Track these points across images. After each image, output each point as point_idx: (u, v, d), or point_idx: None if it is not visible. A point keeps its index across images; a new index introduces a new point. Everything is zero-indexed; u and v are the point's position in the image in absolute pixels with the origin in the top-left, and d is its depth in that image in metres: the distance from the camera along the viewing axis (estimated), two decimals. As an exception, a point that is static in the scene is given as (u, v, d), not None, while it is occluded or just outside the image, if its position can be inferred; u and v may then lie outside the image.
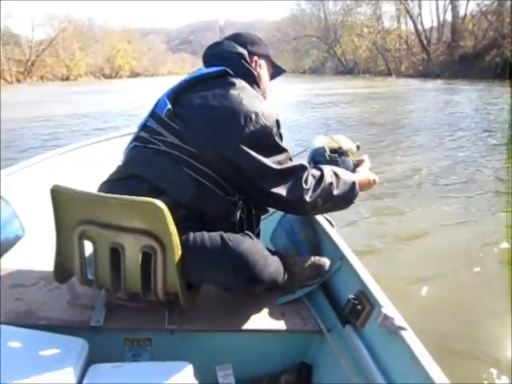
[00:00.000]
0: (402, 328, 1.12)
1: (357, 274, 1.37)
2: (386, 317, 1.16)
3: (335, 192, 1.42)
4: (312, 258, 1.52)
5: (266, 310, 1.47)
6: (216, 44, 1.54)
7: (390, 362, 1.15)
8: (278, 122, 1.38)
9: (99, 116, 11.71)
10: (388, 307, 1.20)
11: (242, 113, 1.31)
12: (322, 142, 1.74)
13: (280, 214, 1.82)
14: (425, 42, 37.58)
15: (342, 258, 1.49)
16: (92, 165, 2.31)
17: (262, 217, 1.76)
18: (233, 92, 1.35)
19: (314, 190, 1.38)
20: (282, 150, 1.37)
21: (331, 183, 1.42)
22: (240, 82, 1.40)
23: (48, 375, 1.04)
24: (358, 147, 1.75)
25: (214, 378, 1.39)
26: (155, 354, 1.35)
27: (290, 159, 1.39)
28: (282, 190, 1.34)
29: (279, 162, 1.35)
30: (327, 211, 1.57)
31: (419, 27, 38.97)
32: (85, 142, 2.63)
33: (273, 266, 1.36)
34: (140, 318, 1.37)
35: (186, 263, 1.25)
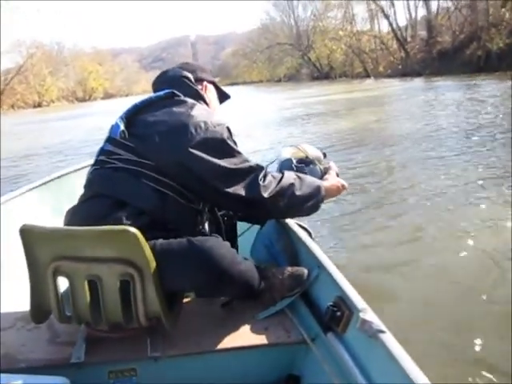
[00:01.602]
0: (381, 331, 1.15)
1: (334, 280, 1.40)
2: (364, 321, 1.19)
3: (297, 192, 1.48)
4: (290, 269, 1.56)
5: (248, 326, 1.49)
6: (163, 72, 1.67)
7: (371, 365, 1.18)
8: (228, 128, 1.46)
9: (61, 149, 10.80)
10: (366, 311, 1.22)
11: (192, 123, 1.40)
12: (288, 153, 1.80)
13: (257, 228, 1.86)
14: (401, 40, 37.56)
15: (320, 265, 1.52)
16: (66, 196, 2.32)
17: (239, 233, 1.81)
18: (181, 108, 1.45)
19: (273, 187, 1.44)
20: (236, 153, 1.44)
21: (292, 184, 1.48)
22: (188, 100, 1.50)
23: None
24: (324, 155, 1.81)
25: (203, 400, 1.42)
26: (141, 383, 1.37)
27: (246, 161, 1.45)
28: (238, 189, 1.40)
29: (235, 164, 1.41)
30: (293, 214, 1.63)
31: (394, 26, 39.01)
32: (59, 173, 2.66)
33: (243, 265, 1.39)
34: (122, 349, 1.39)
35: None
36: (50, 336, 1.46)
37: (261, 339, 1.45)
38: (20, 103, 45.04)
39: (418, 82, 24.90)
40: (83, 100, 52.49)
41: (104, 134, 1.52)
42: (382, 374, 1.13)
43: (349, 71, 43.55)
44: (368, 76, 37.63)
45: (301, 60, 52.02)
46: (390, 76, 33.97)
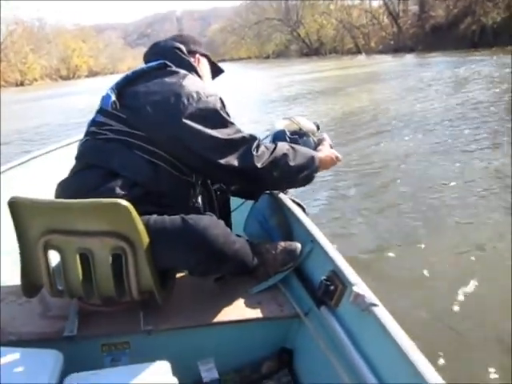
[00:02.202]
0: (374, 304, 1.16)
1: (327, 254, 1.41)
2: (357, 295, 1.20)
3: (291, 163, 1.48)
4: (283, 244, 1.57)
5: (242, 301, 1.51)
6: (155, 43, 1.64)
7: (364, 339, 1.20)
8: (221, 99, 1.46)
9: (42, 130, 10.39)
10: (359, 285, 1.24)
11: (184, 93, 1.38)
12: (282, 124, 1.79)
13: (250, 203, 1.86)
14: (393, 14, 37.03)
15: (313, 240, 1.53)
16: (55, 171, 2.31)
17: (232, 209, 1.81)
18: (173, 78, 1.44)
19: (266, 157, 1.43)
20: (229, 124, 1.43)
21: (285, 154, 1.47)
22: (180, 71, 1.48)
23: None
24: (318, 127, 1.81)
25: (197, 374, 1.43)
26: (134, 357, 1.37)
27: (239, 132, 1.44)
28: (231, 160, 1.39)
29: (228, 134, 1.40)
30: (287, 185, 1.64)
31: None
32: (47, 149, 2.64)
33: (237, 244, 1.40)
34: (115, 323, 1.39)
35: None
36: (41, 310, 1.46)
37: (254, 313, 1.46)
38: (1, 82, 44.10)
39: (410, 58, 24.48)
40: (67, 78, 51.48)
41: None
42: (375, 346, 1.15)
43: (339, 47, 43.07)
44: (359, 52, 37.18)
45: (290, 36, 51.43)
46: (381, 52, 33.60)
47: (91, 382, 1.11)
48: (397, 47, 32.66)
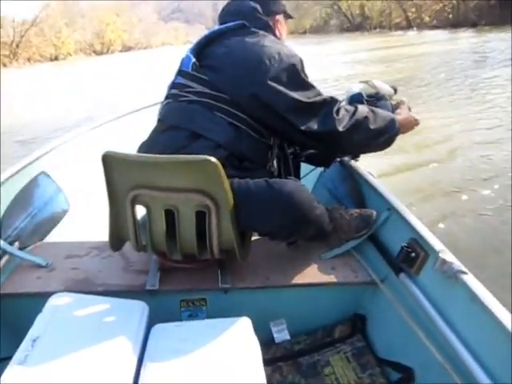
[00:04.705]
0: (462, 272, 1.16)
1: (407, 222, 1.43)
2: (444, 262, 1.21)
3: (372, 126, 1.49)
4: (358, 210, 1.59)
5: (315, 265, 1.55)
6: (229, 3, 1.63)
7: (450, 306, 1.20)
8: (301, 60, 1.47)
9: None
10: (445, 252, 1.24)
11: (266, 54, 1.40)
12: (358, 87, 1.79)
13: (318, 171, 1.88)
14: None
15: (390, 208, 1.55)
16: (131, 134, 2.40)
17: (301, 175, 1.84)
18: (254, 39, 1.46)
19: (347, 120, 1.45)
20: (310, 86, 1.45)
21: (366, 117, 1.48)
22: (259, 31, 1.50)
23: (114, 336, 1.12)
24: (395, 90, 1.80)
25: (269, 334, 1.49)
26: (211, 314, 1.45)
27: (320, 94, 1.46)
28: (313, 124, 1.41)
29: (308, 97, 1.42)
30: (367, 149, 1.63)
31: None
32: (117, 115, 2.74)
33: (319, 210, 1.42)
34: (193, 280, 1.47)
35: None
36: (123, 264, 1.56)
37: (328, 278, 1.51)
38: (36, 56, 45.04)
39: (472, 34, 21.41)
40: (101, 53, 52.18)
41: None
42: (464, 315, 1.14)
43: (386, 22, 39.82)
44: (410, 27, 34.02)
45: (330, 9, 50.06)
46: (436, 27, 30.18)
47: (177, 333, 1.17)
48: (455, 22, 29.30)
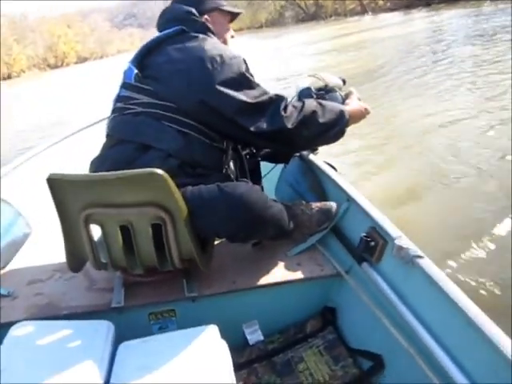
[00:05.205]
0: (418, 256, 1.19)
1: (365, 211, 1.45)
2: (400, 248, 1.24)
3: (321, 120, 1.50)
4: (318, 204, 1.61)
5: (281, 263, 1.56)
6: (165, 10, 1.63)
7: (410, 291, 1.23)
8: (244, 60, 1.48)
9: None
10: (401, 238, 1.27)
11: (207, 58, 1.40)
12: (307, 82, 1.80)
13: (280, 167, 1.90)
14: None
15: (349, 199, 1.57)
16: (83, 151, 2.38)
17: (262, 174, 1.85)
18: (194, 43, 1.46)
19: (295, 117, 1.45)
20: (255, 86, 1.46)
21: (314, 111, 1.49)
22: (198, 35, 1.49)
23: (79, 360, 1.10)
24: (344, 81, 1.82)
25: (243, 337, 1.50)
26: (181, 324, 1.44)
27: (266, 93, 1.46)
28: (262, 124, 1.42)
29: (255, 97, 1.43)
30: (320, 142, 1.65)
31: None
32: (71, 131, 2.73)
33: (274, 209, 1.43)
34: (160, 292, 1.46)
35: None
36: (87, 284, 1.54)
37: (294, 275, 1.52)
38: (-13, 77, 43.84)
39: (426, 13, 21.30)
40: (56, 66, 51.13)
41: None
42: (423, 299, 1.18)
43: (341, 9, 39.62)
44: (364, 12, 33.84)
45: (284, 2, 50.23)
46: (391, 9, 29.97)
47: (144, 349, 1.16)
48: (409, 3, 28.72)
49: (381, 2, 33.98)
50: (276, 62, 14.65)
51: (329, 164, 1.79)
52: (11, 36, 47.45)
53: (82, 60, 56.63)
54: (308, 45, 18.01)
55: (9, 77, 45.03)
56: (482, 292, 2.12)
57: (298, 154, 1.89)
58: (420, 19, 19.98)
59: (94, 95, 12.62)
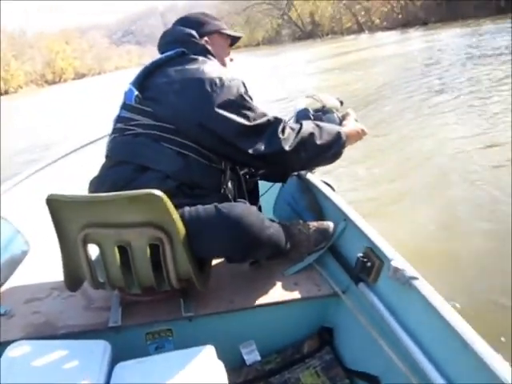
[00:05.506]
0: (414, 278, 1.20)
1: (362, 232, 1.46)
2: (396, 269, 1.24)
3: (318, 141, 1.52)
4: (315, 223, 1.62)
5: (279, 283, 1.57)
6: (166, 32, 1.67)
7: (406, 312, 1.24)
8: (243, 82, 1.50)
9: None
10: (397, 259, 1.28)
11: (207, 80, 1.42)
12: (304, 103, 1.83)
13: (278, 186, 1.92)
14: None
15: (346, 218, 1.59)
16: (82, 169, 2.40)
17: (260, 193, 1.87)
18: (194, 65, 1.48)
19: (293, 139, 1.47)
20: (254, 108, 1.47)
21: (312, 133, 1.51)
22: (198, 57, 1.52)
23: (75, 381, 1.10)
24: (341, 103, 1.84)
25: (240, 357, 1.50)
26: (178, 343, 1.44)
27: (264, 115, 1.48)
28: (260, 146, 1.43)
29: (253, 119, 1.45)
30: (317, 164, 1.67)
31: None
32: (70, 149, 2.74)
33: (271, 229, 1.44)
34: (157, 312, 1.46)
35: None
36: (85, 303, 1.54)
37: (292, 294, 1.52)
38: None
39: (423, 32, 21.47)
40: (53, 82, 51.43)
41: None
42: (419, 320, 1.18)
43: (337, 27, 40.31)
44: (361, 31, 34.52)
45: (281, 20, 50.89)
46: (388, 28, 30.48)
47: (140, 370, 1.16)
48: (405, 21, 29.38)
49: (377, 21, 34.48)
50: (273, 80, 14.66)
51: (326, 183, 1.81)
52: (10, 52, 47.77)
53: (79, 76, 57.04)
54: (305, 63, 18.15)
55: (6, 92, 45.24)
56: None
57: (295, 173, 1.91)
58: (417, 38, 20.14)
59: (91, 112, 12.71)
